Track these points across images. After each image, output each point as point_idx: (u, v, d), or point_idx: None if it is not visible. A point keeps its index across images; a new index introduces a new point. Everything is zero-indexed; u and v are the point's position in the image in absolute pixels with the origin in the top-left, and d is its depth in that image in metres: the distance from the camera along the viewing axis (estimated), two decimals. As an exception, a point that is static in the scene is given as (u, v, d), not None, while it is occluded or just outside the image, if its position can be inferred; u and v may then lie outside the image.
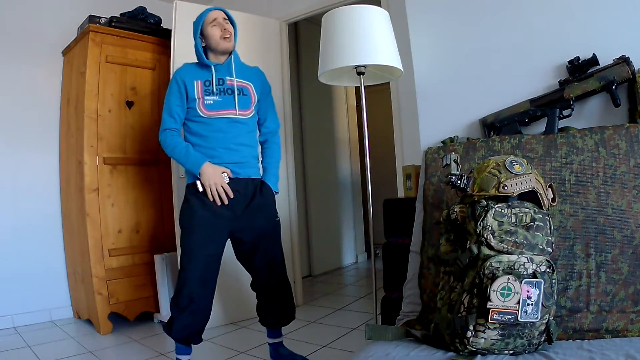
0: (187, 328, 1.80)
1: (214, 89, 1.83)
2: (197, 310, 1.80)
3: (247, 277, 2.01)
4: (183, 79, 1.84)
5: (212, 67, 1.85)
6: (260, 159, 2.02)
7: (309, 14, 3.00)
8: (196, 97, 1.83)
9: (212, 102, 1.82)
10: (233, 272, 2.34)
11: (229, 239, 1.91)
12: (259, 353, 2.13)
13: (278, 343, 2.02)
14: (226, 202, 1.80)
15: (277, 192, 1.98)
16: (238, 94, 1.86)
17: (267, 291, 1.95)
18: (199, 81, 1.84)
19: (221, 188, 1.78)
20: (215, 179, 1.77)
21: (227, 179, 1.81)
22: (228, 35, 1.84)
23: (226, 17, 1.88)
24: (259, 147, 2.02)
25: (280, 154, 2.06)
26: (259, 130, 2.01)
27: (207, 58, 1.87)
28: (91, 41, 2.58)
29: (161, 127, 1.89)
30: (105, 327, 2.53)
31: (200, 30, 1.86)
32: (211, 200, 1.79)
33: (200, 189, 1.79)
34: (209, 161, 1.80)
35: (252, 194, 1.88)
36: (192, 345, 1.90)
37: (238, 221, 1.85)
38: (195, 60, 1.90)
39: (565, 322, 1.22)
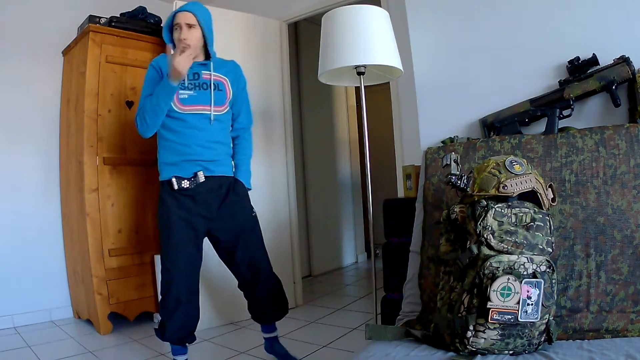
0: (179, 330, 1.79)
1: (187, 84, 1.79)
2: (187, 310, 1.79)
3: (245, 278, 2.01)
4: (160, 67, 1.81)
5: None
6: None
7: (309, 14, 3.00)
8: None
9: (186, 96, 1.79)
10: (231, 273, 2.33)
11: (207, 239, 1.90)
12: (258, 353, 2.13)
13: (273, 338, 2.01)
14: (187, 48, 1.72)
15: (249, 189, 1.96)
16: (214, 89, 1.83)
17: (253, 287, 1.93)
18: None
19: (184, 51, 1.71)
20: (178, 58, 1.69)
21: (202, 178, 1.78)
22: (183, 47, 1.73)
23: (190, 23, 1.76)
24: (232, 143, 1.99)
25: (252, 150, 2.03)
26: (231, 126, 1.97)
27: None
28: (91, 41, 2.57)
29: (136, 113, 1.82)
30: (105, 327, 2.53)
31: (170, 28, 1.83)
32: (179, 51, 1.70)
33: (176, 187, 1.76)
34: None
35: (226, 193, 1.86)
36: (187, 345, 1.89)
37: (214, 220, 1.84)
38: None
39: (565, 322, 1.22)
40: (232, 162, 1.95)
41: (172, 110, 1.79)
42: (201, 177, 1.78)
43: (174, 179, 1.77)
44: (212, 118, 1.82)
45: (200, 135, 1.80)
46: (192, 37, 1.77)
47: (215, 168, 1.84)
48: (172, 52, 1.81)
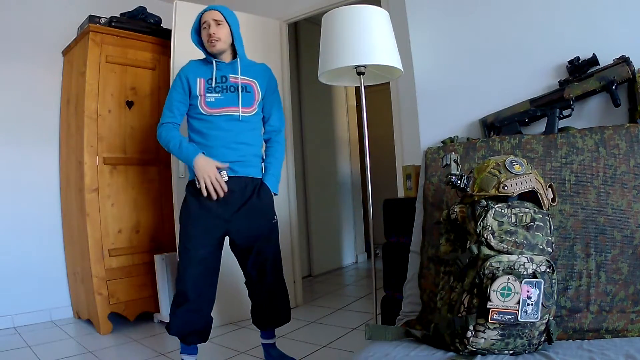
0: (182, 326, 1.81)
1: (215, 86, 1.82)
2: (193, 309, 1.80)
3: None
4: (187, 75, 1.84)
5: (214, 63, 1.84)
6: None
7: (309, 14, 3.00)
8: (198, 94, 1.82)
9: (213, 99, 1.81)
10: (232, 272, 2.33)
11: (228, 239, 1.91)
12: (258, 353, 2.13)
13: (269, 344, 2.01)
14: (221, 195, 1.77)
15: (275, 194, 1.95)
16: (242, 91, 1.84)
17: (257, 293, 1.94)
18: (202, 79, 1.83)
19: (215, 181, 1.74)
20: (208, 172, 1.74)
21: (226, 177, 1.79)
22: (213, 41, 1.80)
23: (217, 19, 1.82)
24: (264, 145, 2.00)
25: (284, 153, 2.03)
26: (263, 128, 1.99)
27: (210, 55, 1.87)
28: (91, 41, 2.58)
29: (159, 122, 1.89)
30: (105, 327, 2.53)
31: (197, 30, 1.86)
32: (205, 194, 1.76)
33: (198, 185, 1.78)
34: (203, 153, 1.78)
35: (250, 195, 1.86)
36: (197, 347, 1.90)
37: (233, 222, 1.83)
38: (202, 57, 1.90)
39: (565, 322, 1.22)
40: (262, 164, 1.96)
41: (199, 112, 1.82)
42: (224, 177, 1.79)
43: (196, 178, 1.79)
44: (239, 119, 1.83)
45: (225, 136, 1.81)
46: (221, 33, 1.81)
47: (240, 169, 1.84)
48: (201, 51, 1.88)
